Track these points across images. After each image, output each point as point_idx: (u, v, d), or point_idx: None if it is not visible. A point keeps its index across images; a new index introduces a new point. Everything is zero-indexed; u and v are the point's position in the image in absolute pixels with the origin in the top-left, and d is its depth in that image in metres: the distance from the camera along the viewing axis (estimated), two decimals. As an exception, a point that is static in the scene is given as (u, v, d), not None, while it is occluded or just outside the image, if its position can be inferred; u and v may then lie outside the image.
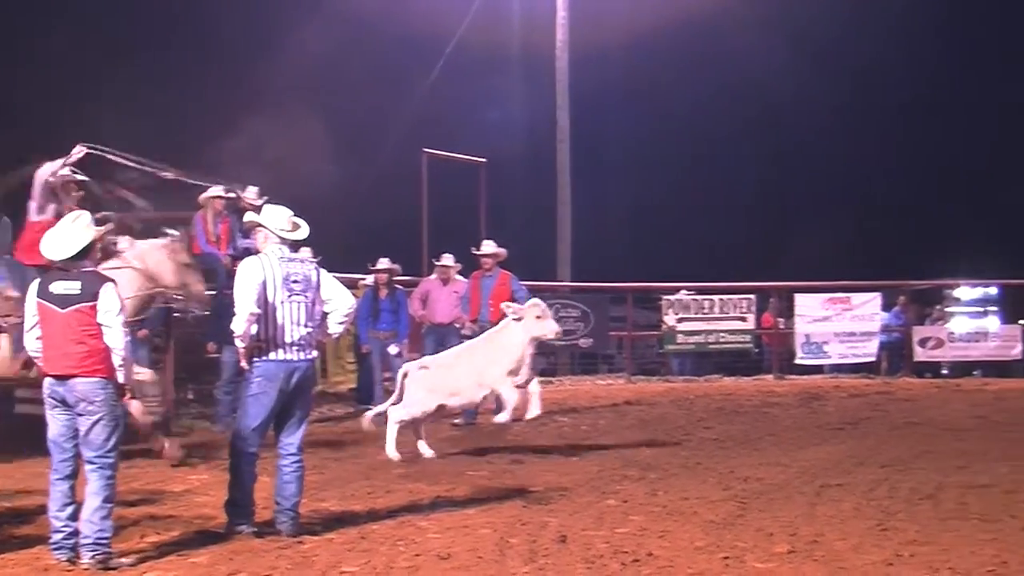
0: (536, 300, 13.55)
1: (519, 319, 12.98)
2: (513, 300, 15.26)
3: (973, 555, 7.87)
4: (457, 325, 16.53)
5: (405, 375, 13.07)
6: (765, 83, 35.77)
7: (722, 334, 24.29)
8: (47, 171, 12.90)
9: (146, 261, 12.68)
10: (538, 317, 13.02)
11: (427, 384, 12.93)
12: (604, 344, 25.11)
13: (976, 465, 11.84)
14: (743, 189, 39.27)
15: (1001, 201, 37.57)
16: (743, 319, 24.39)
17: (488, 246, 16.50)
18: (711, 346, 24.47)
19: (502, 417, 12.91)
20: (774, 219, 39.20)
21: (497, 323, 14.39)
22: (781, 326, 25.31)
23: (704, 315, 24.23)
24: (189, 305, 13.37)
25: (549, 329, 13.17)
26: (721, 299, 24.30)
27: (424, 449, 12.86)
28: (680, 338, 24.24)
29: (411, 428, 12.91)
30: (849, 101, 38.56)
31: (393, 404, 12.91)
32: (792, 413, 17.31)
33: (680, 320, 24.21)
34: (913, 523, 8.97)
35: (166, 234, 13.10)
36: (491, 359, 12.98)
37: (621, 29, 30.42)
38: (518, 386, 12.93)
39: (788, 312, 25.05)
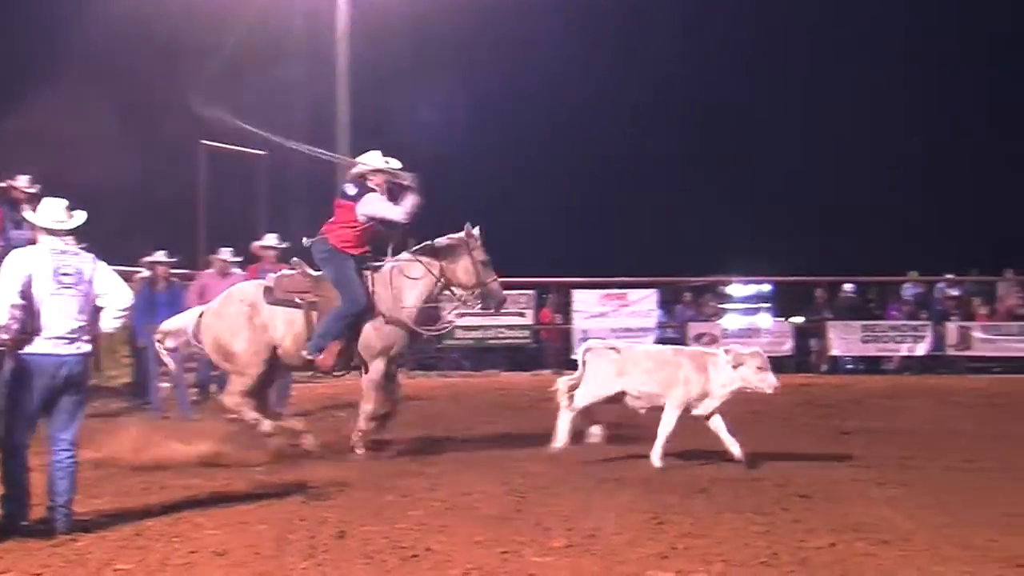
0: (758, 350, 11.97)
1: (739, 365, 11.63)
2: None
3: (746, 547, 8.04)
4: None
5: (588, 351, 12.33)
6: (553, 72, 36.12)
7: (501, 329, 24.43)
8: None
9: None
10: (759, 368, 11.64)
11: (615, 369, 11.99)
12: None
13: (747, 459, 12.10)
14: (525, 183, 39.46)
15: (775, 200, 38.53)
16: (522, 315, 24.58)
17: (270, 239, 16.35)
18: (490, 341, 24.61)
19: (656, 454, 11.61)
20: (555, 215, 39.50)
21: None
22: (559, 322, 25.56)
23: (483, 311, 24.34)
24: None
25: (767, 384, 11.65)
26: (501, 295, 24.44)
27: (595, 432, 12.55)
28: (459, 333, 24.31)
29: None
30: (639, 98, 39.04)
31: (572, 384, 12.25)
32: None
33: (460, 316, 24.28)
34: (688, 516, 9.12)
35: None
36: (687, 380, 11.77)
37: (404, 16, 30.35)
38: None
39: (566, 308, 25.32)
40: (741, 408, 12.63)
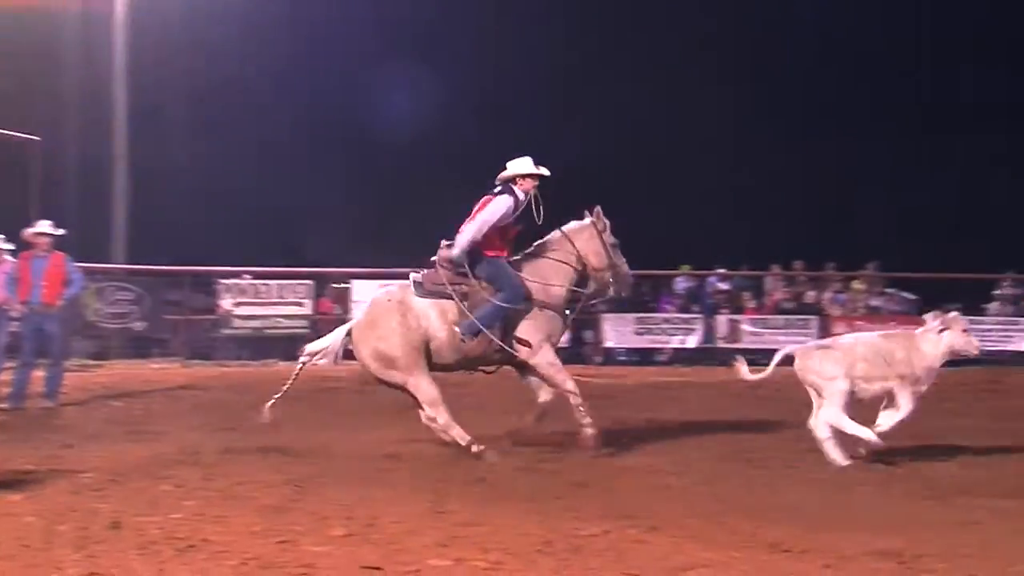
0: (957, 314, 11.80)
1: (944, 329, 11.47)
2: (68, 282, 14.85)
3: (522, 535, 8.12)
4: (5, 307, 15.95)
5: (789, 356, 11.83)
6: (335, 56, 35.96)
7: (279, 319, 24.26)
8: None
9: None
10: (964, 331, 11.53)
11: (841, 365, 11.44)
12: (158, 328, 24.67)
13: (526, 447, 12.24)
14: (309, 173, 39.10)
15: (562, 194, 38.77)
16: (300, 304, 24.44)
17: (42, 226, 15.97)
18: (268, 331, 24.42)
19: (887, 424, 11.37)
20: (334, 205, 39.21)
21: (52, 304, 13.94)
22: (338, 312, 25.45)
23: (261, 300, 24.16)
24: None
25: (972, 347, 11.62)
26: (279, 284, 24.29)
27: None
28: (237, 322, 24.08)
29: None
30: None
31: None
32: (350, 398, 17.42)
33: (237, 304, 24.06)
34: (466, 505, 9.20)
35: None
36: (907, 359, 11.47)
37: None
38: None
39: (345, 298, 25.23)
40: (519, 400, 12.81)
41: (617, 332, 25.77)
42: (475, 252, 12.42)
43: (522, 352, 12.39)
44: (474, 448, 11.85)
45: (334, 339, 12.81)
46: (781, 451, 12.10)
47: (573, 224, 13.01)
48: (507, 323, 12.37)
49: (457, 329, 12.25)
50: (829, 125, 37.95)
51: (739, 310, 26.49)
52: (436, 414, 12.14)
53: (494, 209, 12.44)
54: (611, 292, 13.25)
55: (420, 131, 36.83)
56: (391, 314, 12.42)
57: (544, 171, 12.63)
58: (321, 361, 12.90)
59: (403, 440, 12.62)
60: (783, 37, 38.05)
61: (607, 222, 12.96)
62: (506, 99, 38.53)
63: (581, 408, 12.29)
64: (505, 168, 12.65)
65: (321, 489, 9.80)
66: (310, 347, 13.07)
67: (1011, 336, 25.83)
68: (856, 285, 27.32)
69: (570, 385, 12.44)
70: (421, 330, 12.32)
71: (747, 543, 8.02)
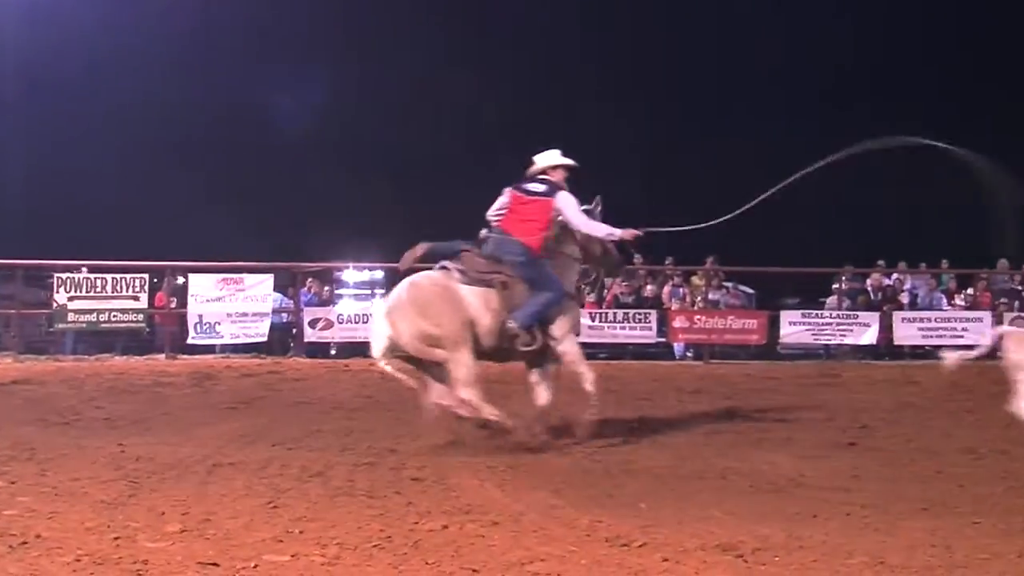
0: None
1: None
2: None
3: (360, 530, 8.11)
4: None
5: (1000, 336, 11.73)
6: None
7: (115, 313, 23.90)
8: None
9: None
10: None
11: None
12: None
13: (363, 443, 12.28)
14: (137, 164, 38.49)
15: (388, 186, 38.85)
16: (136, 298, 24.10)
17: None
18: (103, 325, 24.05)
19: None
20: (172, 198, 38.71)
21: None
22: (173, 305, 25.18)
23: (96, 293, 23.77)
24: None
25: None
26: (114, 277, 23.93)
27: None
28: (71, 316, 23.68)
29: None
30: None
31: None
32: (184, 393, 17.29)
33: (72, 298, 23.65)
34: (303, 500, 9.16)
35: None
36: None
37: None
38: None
39: (182, 292, 24.96)
40: (353, 394, 12.81)
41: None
42: (526, 252, 12.65)
43: (557, 344, 12.82)
44: (509, 423, 12.24)
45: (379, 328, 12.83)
46: (619, 445, 12.28)
47: None
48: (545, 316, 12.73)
49: (511, 319, 12.50)
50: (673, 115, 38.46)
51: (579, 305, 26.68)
52: (470, 395, 12.28)
53: (574, 202, 12.91)
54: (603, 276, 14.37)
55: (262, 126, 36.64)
56: (439, 296, 12.52)
57: (572, 162, 12.98)
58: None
59: (240, 436, 12.56)
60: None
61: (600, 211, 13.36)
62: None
63: (595, 400, 12.74)
64: (533, 163, 12.95)
65: (157, 485, 9.68)
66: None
67: (849, 330, 26.38)
68: (695, 280, 27.70)
69: (591, 376, 12.83)
70: (468, 313, 12.47)
71: (586, 537, 8.08)
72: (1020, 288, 27.86)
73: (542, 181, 12.89)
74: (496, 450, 11.88)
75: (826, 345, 26.68)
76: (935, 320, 26.79)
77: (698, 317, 26.17)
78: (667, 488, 10.10)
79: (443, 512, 8.83)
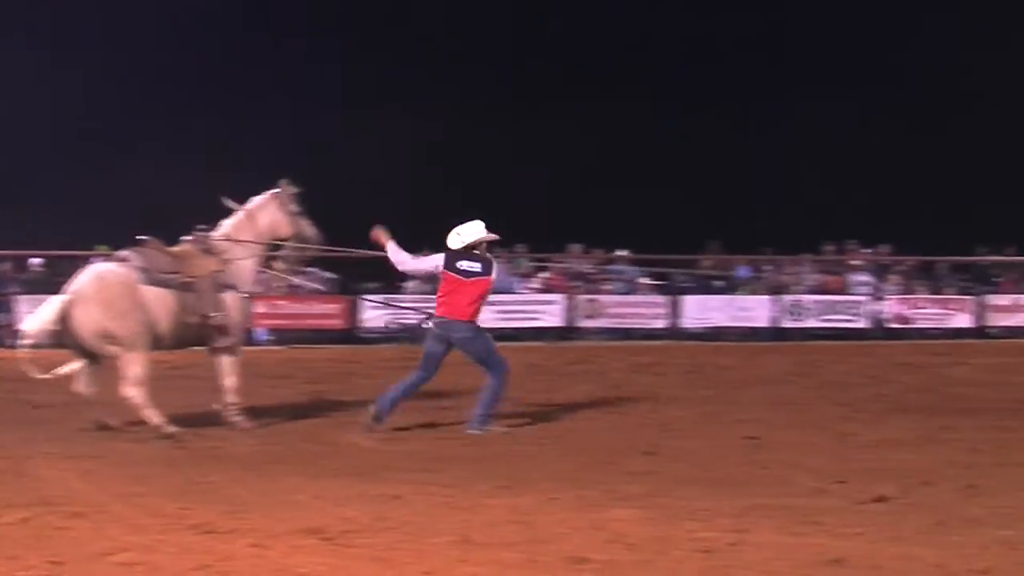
0: None
1: None
2: None
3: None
4: None
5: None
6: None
7: None
8: None
9: None
10: None
11: None
12: None
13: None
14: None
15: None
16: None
17: None
18: None
19: None
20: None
21: None
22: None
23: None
24: None
25: None
26: None
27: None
28: None
29: None
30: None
31: None
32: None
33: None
34: None
35: None
36: None
37: None
38: None
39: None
40: None
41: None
42: (475, 329, 12.60)
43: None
44: (166, 429, 12.10)
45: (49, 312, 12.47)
46: (203, 432, 12.27)
47: (257, 200, 13.70)
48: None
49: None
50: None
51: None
52: (136, 394, 12.19)
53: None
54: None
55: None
56: (124, 296, 12.33)
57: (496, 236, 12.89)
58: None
59: None
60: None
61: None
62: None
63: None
64: (459, 234, 12.61)
65: None
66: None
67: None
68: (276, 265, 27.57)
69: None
70: (149, 315, 12.37)
71: (172, 525, 8.05)
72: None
73: (478, 259, 12.61)
74: (77, 440, 11.68)
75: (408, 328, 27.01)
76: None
77: (280, 302, 26.18)
78: (253, 474, 10.15)
79: (23, 504, 8.62)
